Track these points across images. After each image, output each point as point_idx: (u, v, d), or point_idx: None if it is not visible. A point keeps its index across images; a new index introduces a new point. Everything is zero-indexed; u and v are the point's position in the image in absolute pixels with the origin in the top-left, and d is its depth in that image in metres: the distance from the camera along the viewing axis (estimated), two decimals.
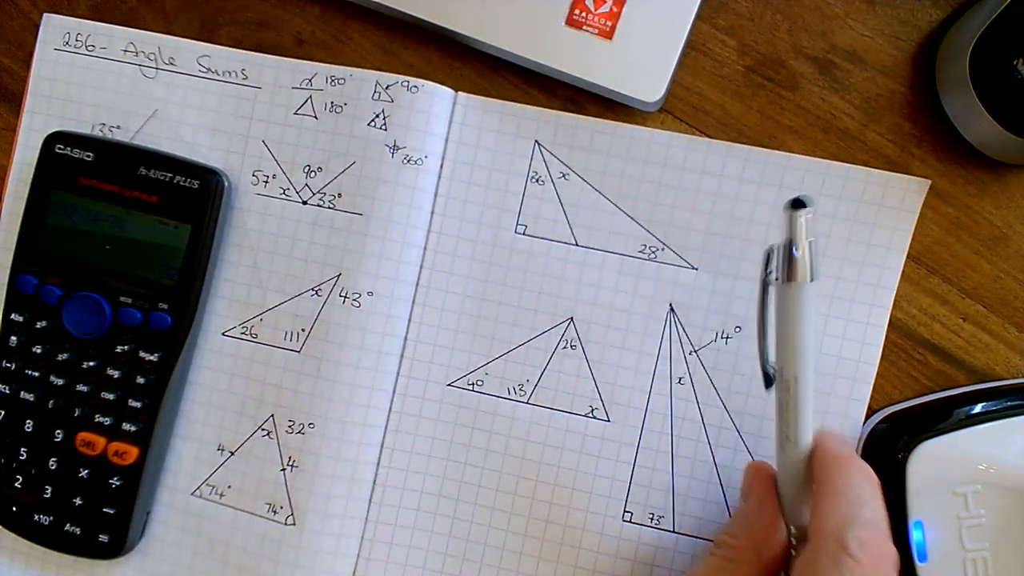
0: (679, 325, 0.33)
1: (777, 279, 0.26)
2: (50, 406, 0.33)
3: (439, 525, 0.34)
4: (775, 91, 0.33)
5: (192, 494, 0.34)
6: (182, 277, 0.33)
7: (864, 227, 0.32)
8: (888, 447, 0.31)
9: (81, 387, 0.33)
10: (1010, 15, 0.30)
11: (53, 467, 0.33)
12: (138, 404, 0.33)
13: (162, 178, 0.33)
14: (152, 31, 0.35)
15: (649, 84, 0.32)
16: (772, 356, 0.27)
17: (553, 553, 0.33)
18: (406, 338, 0.34)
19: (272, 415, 0.34)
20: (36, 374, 0.33)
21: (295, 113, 0.34)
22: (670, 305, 0.33)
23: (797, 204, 0.25)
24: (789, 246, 0.25)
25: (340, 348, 0.33)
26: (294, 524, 0.33)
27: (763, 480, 0.27)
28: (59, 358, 0.33)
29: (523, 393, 0.34)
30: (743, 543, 0.27)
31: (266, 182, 0.34)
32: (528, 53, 0.33)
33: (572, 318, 0.33)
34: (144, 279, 0.33)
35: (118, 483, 0.33)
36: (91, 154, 0.33)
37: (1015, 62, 0.30)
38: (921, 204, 0.32)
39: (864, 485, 0.24)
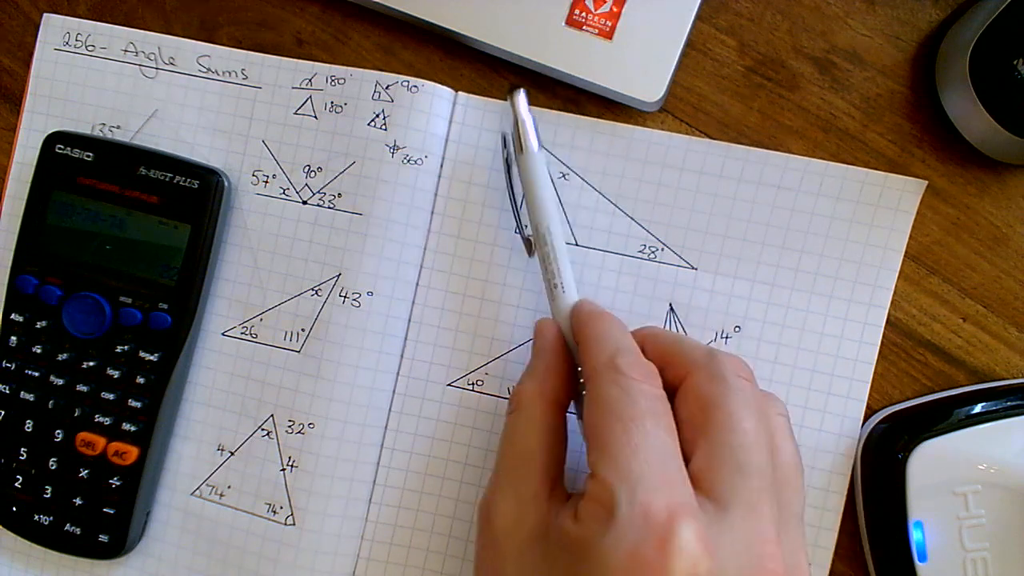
0: (679, 325, 0.33)
1: (513, 153, 0.31)
2: (50, 406, 0.33)
3: (439, 525, 0.34)
4: (775, 91, 0.33)
5: (192, 494, 0.34)
6: (182, 277, 0.33)
7: (861, 227, 0.32)
8: (888, 447, 0.31)
9: (81, 387, 0.33)
10: (1010, 15, 0.30)
11: (53, 467, 0.33)
12: (138, 404, 0.33)
13: (162, 178, 0.33)
14: (152, 31, 0.35)
15: (649, 84, 0.32)
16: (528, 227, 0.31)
17: None
18: (406, 338, 0.34)
19: (272, 415, 0.34)
20: (36, 374, 0.33)
21: (295, 113, 0.34)
22: (670, 305, 0.33)
23: (512, 89, 0.31)
24: (516, 124, 0.31)
25: (340, 348, 0.33)
26: (294, 524, 0.33)
27: (543, 332, 0.30)
28: (59, 358, 0.33)
29: None
30: (528, 387, 0.29)
31: (266, 182, 0.34)
32: (528, 53, 0.33)
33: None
34: (144, 279, 0.33)
35: (118, 483, 0.33)
36: (91, 154, 0.33)
37: (1015, 62, 0.30)
38: (918, 204, 0.32)
39: (619, 327, 0.28)
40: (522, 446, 0.28)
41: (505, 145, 0.32)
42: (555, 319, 0.30)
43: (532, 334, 0.31)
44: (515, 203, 0.32)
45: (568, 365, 0.29)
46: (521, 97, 0.31)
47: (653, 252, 0.33)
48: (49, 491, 0.33)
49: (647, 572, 0.22)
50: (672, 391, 0.27)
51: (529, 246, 0.31)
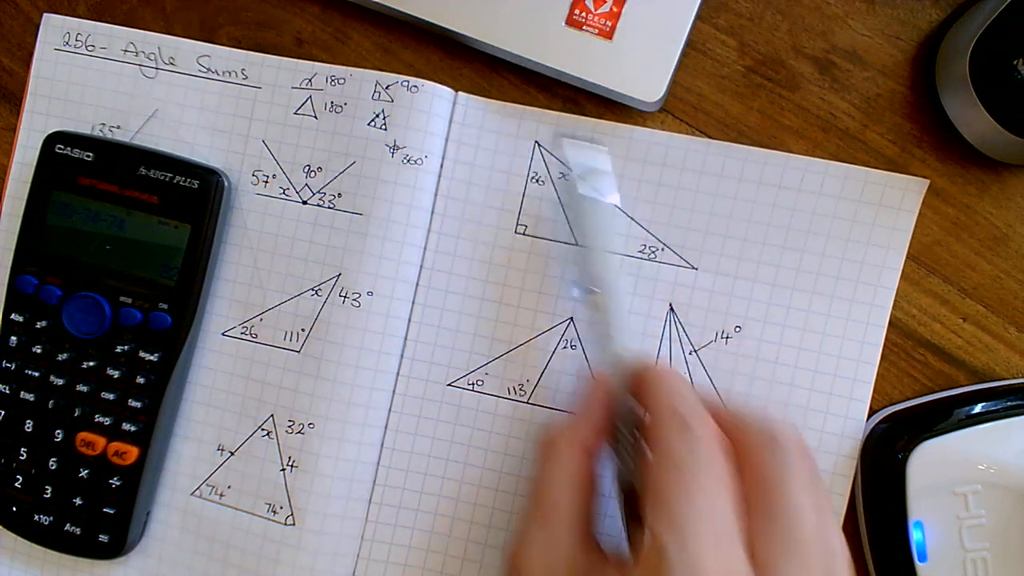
0: (679, 325, 0.33)
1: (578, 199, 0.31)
2: (50, 406, 0.33)
3: (439, 525, 0.34)
4: (775, 91, 0.33)
5: (192, 494, 0.34)
6: (182, 277, 0.33)
7: (863, 227, 0.32)
8: (888, 447, 0.31)
9: (81, 387, 0.33)
10: (1010, 15, 0.30)
11: (53, 467, 0.33)
12: (138, 404, 0.33)
13: (162, 178, 0.33)
14: (152, 31, 0.35)
15: (649, 84, 0.32)
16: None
17: None
18: (406, 338, 0.34)
19: (272, 415, 0.34)
20: (36, 374, 0.33)
21: (295, 113, 0.34)
22: (670, 305, 0.33)
23: (558, 136, 0.32)
24: (591, 174, 0.31)
25: (340, 348, 0.33)
26: (294, 524, 0.33)
27: (591, 383, 0.30)
28: (59, 358, 0.33)
29: (523, 393, 0.34)
30: (560, 432, 0.29)
31: (266, 182, 0.34)
32: (528, 53, 0.33)
33: (572, 318, 0.33)
34: (144, 279, 0.33)
35: (118, 483, 0.33)
36: (91, 154, 0.33)
37: (1015, 62, 0.30)
38: (920, 204, 0.32)
39: (688, 384, 0.29)
40: (551, 493, 0.28)
41: (569, 191, 0.32)
42: (603, 365, 0.30)
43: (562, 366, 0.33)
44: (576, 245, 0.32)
45: (606, 416, 0.29)
46: (597, 148, 0.31)
47: (653, 252, 0.33)
48: (49, 491, 0.33)
49: None
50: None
51: (583, 290, 0.32)
